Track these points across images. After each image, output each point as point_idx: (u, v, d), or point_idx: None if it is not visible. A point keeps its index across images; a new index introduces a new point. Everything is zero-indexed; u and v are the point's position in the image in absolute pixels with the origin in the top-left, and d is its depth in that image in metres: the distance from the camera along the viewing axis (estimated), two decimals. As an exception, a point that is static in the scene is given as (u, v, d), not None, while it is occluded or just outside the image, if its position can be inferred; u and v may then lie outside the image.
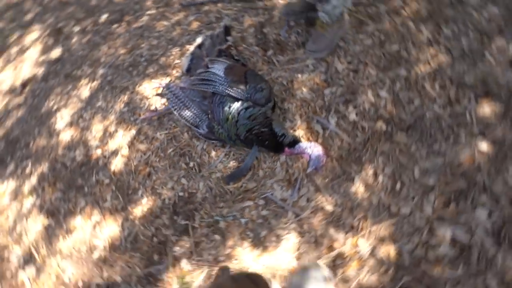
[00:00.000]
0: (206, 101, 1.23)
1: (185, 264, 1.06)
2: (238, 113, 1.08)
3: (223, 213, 1.11)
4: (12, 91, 1.97)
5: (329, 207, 1.03)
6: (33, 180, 1.50)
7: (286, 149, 1.08)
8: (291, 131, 1.17)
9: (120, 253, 1.16)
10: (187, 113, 1.23)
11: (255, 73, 1.22)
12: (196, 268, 1.05)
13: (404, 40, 1.26)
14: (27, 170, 1.55)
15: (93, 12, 2.11)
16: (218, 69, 1.22)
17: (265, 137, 1.09)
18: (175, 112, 1.25)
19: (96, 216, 1.28)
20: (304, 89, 1.26)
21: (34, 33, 2.22)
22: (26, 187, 1.49)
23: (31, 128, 1.71)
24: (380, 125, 1.11)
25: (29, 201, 1.44)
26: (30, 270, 1.24)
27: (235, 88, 1.13)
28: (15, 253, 1.31)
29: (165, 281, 1.05)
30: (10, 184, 1.55)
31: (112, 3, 2.10)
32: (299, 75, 1.31)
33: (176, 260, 1.08)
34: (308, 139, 1.15)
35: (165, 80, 1.51)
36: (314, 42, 1.30)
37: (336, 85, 1.23)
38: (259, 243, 1.03)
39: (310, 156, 1.05)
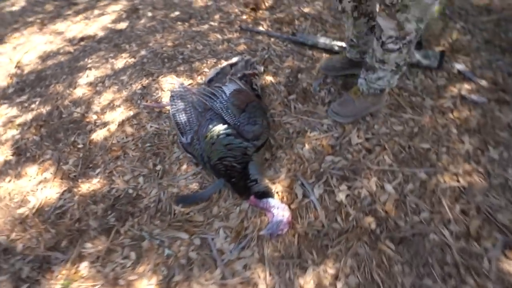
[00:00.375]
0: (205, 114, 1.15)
1: (84, 268, 0.90)
2: (218, 136, 0.97)
3: (153, 232, 0.95)
4: (71, 40, 2.15)
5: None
6: (29, 116, 1.52)
7: (252, 197, 0.92)
8: (269, 182, 1.01)
9: (40, 221, 1.05)
10: (181, 117, 1.15)
11: (259, 106, 1.12)
12: (91, 278, 0.88)
13: (438, 142, 1.06)
14: (32, 106, 1.59)
15: (169, 7, 2.30)
16: (229, 88, 1.15)
17: (234, 173, 0.94)
18: (171, 110, 1.19)
19: (49, 173, 1.21)
20: (307, 146, 1.12)
21: (118, 5, 2.48)
22: (19, 120, 1.52)
23: (61, 74, 1.80)
24: (369, 221, 0.89)
25: (11, 133, 1.45)
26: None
27: (230, 111, 1.04)
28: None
29: (52, 277, 0.89)
30: (12, 112, 1.60)
31: (189, 6, 2.26)
32: (309, 130, 1.17)
33: (80, 258, 0.93)
34: (282, 199, 0.97)
35: (185, 82, 1.50)
36: (340, 105, 1.17)
37: (341, 156, 1.06)
38: (165, 286, 0.84)
39: (272, 218, 0.87)
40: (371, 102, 1.13)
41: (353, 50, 1.24)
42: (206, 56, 1.68)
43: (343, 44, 1.50)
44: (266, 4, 2.07)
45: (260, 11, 2.02)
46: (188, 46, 1.79)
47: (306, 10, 1.95)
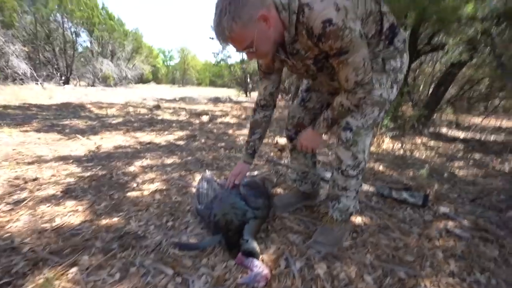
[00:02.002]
0: None
1: (71, 273, 0.96)
2: (228, 196, 1.22)
3: (144, 263, 1.03)
4: (140, 142, 2.88)
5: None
6: (87, 174, 1.93)
7: (240, 255, 1.03)
8: (257, 247, 1.12)
9: (55, 236, 1.20)
10: (203, 191, 1.44)
11: (266, 194, 1.36)
12: (72, 282, 0.93)
13: (423, 258, 1.14)
14: (93, 169, 2.03)
15: (219, 139, 3.09)
16: (245, 179, 1.46)
17: (231, 227, 1.11)
18: (196, 186, 1.51)
19: (81, 208, 1.45)
20: (298, 237, 1.26)
21: (183, 132, 3.39)
22: (79, 174, 1.92)
23: (124, 157, 2.35)
24: (346, 303, 0.90)
25: (68, 180, 1.82)
26: None
27: (242, 187, 1.32)
28: None
29: (40, 273, 0.96)
30: (76, 169, 2.03)
31: (233, 141, 3.02)
32: (306, 229, 1.35)
33: (72, 265, 1.00)
34: (266, 264, 1.05)
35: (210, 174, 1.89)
36: (322, 235, 1.19)
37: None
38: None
39: (252, 272, 0.95)
40: (346, 226, 1.24)
41: (305, 183, 1.45)
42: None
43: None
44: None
45: (285, 152, 2.63)
46: (224, 161, 2.32)
47: (320, 158, 2.52)
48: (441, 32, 4.22)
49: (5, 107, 4.92)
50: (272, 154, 2.63)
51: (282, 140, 3.26)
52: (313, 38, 0.83)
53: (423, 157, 2.85)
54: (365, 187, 1.80)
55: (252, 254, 1.02)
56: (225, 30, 0.80)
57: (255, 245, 1.08)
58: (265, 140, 3.24)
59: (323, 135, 1.17)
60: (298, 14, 0.82)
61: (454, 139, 3.97)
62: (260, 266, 0.97)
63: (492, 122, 6.06)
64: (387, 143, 3.23)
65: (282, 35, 0.88)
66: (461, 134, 4.49)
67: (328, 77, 1.04)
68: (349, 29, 0.79)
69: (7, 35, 9.67)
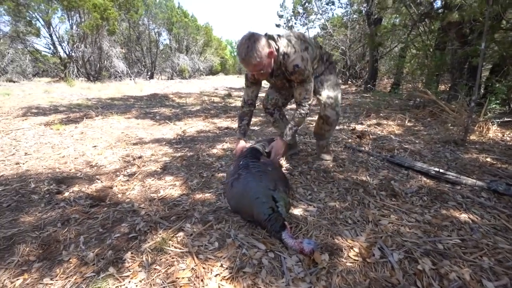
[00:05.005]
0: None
1: (179, 236, 1.11)
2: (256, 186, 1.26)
3: (238, 235, 1.11)
4: (219, 128, 3.08)
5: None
6: (178, 154, 2.17)
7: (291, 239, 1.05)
8: (344, 241, 1.08)
9: (161, 204, 1.39)
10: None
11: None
12: (181, 244, 1.06)
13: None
14: (182, 150, 2.28)
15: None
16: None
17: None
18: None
19: (178, 183, 1.64)
20: (390, 225, 1.17)
21: (257, 118, 3.48)
22: (172, 154, 2.18)
23: (206, 141, 2.56)
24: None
25: (165, 159, 2.08)
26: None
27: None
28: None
29: (156, 234, 1.13)
30: (170, 150, 2.31)
31: (306, 128, 2.95)
32: (395, 216, 1.24)
33: (179, 230, 1.15)
34: (357, 254, 1.00)
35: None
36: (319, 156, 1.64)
37: (429, 238, 1.05)
38: (235, 273, 0.92)
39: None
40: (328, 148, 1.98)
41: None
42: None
43: (440, 170, 1.64)
44: (371, 136, 2.52)
45: (364, 139, 2.46)
46: (300, 146, 2.30)
47: (407, 146, 2.26)
48: None
49: (112, 99, 5.93)
50: (350, 140, 2.48)
51: (359, 127, 3.05)
52: (287, 72, 1.51)
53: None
54: (469, 181, 1.54)
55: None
56: (250, 60, 1.35)
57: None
58: (340, 127, 3.08)
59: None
60: (282, 56, 1.47)
61: None
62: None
63: None
64: (494, 131, 2.68)
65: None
66: None
67: (289, 88, 1.74)
68: (307, 71, 1.48)
69: (111, 41, 11.57)
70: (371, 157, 2.04)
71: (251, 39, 1.33)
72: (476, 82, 2.25)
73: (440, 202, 1.38)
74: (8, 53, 10.64)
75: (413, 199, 1.42)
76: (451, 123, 2.94)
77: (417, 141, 2.45)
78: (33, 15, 10.56)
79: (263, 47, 1.34)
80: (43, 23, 10.68)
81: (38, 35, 10.92)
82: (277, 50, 1.45)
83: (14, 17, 10.12)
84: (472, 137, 2.49)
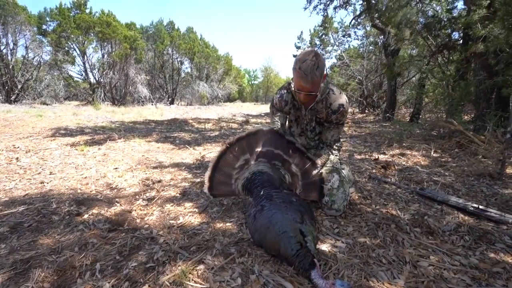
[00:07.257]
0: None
1: (200, 269, 1.04)
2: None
3: (262, 272, 1.03)
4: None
5: None
6: (198, 180, 2.15)
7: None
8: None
9: (180, 232, 1.34)
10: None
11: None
12: (201, 278, 0.99)
13: None
14: (202, 175, 2.25)
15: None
16: None
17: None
18: None
19: (198, 210, 1.59)
20: (430, 268, 1.05)
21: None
22: (191, 180, 2.15)
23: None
24: None
25: (184, 184, 2.05)
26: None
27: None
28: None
29: (175, 265, 1.07)
30: (189, 175, 2.29)
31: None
32: (434, 257, 1.11)
33: (199, 262, 1.08)
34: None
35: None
36: None
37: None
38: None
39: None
40: None
41: None
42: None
43: (479, 206, 1.50)
44: (396, 167, 2.40)
45: (389, 170, 2.34)
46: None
47: (436, 178, 2.12)
48: None
49: (135, 122, 6.15)
50: (374, 171, 2.37)
51: (382, 156, 2.93)
52: (328, 109, 1.48)
53: None
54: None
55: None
56: (314, 78, 1.29)
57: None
58: (362, 156, 2.98)
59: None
60: (328, 91, 1.46)
61: None
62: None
63: None
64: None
65: None
66: None
67: (311, 129, 1.63)
68: (348, 113, 1.52)
69: (137, 68, 12.43)
70: (398, 189, 1.92)
71: (317, 57, 1.26)
72: (511, 113, 2.13)
73: (485, 243, 1.24)
74: (45, 78, 11.54)
75: (453, 238, 1.29)
76: (482, 154, 2.78)
77: (446, 173, 2.31)
78: (71, 46, 11.59)
79: (323, 68, 1.29)
80: (79, 52, 11.67)
81: (73, 63, 11.91)
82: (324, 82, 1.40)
83: (55, 47, 11.13)
84: (508, 171, 2.32)
